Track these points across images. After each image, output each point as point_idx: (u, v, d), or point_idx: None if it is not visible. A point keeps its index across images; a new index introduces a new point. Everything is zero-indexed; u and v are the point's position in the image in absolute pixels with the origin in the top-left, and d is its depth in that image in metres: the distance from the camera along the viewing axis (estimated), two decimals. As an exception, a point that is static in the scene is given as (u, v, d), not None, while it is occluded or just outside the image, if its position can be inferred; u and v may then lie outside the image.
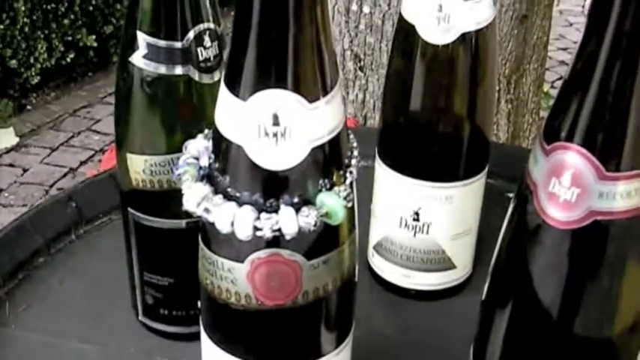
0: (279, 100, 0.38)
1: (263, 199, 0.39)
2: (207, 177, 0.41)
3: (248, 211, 0.39)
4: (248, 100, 0.38)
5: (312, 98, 0.39)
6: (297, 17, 0.37)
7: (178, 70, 0.54)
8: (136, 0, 0.53)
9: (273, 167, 0.39)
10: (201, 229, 0.43)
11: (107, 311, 0.66)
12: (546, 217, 0.40)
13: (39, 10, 2.57)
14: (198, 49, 0.54)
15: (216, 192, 0.40)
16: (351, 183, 0.41)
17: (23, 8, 2.49)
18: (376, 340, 0.62)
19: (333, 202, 0.40)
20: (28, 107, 2.71)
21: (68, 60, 2.76)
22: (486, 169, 0.65)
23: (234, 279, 0.41)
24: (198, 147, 0.42)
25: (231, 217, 0.39)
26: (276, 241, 0.40)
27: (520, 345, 0.44)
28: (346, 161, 0.42)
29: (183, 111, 0.56)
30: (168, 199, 0.56)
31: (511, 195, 0.44)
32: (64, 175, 2.34)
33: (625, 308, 0.42)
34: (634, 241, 0.40)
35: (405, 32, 0.61)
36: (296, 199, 0.40)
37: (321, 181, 0.40)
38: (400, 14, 0.61)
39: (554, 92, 0.42)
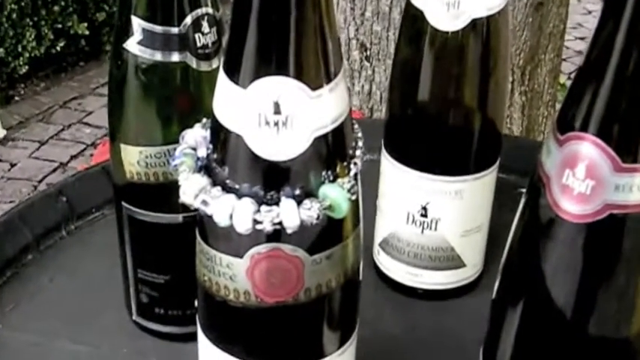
0: (280, 87, 0.38)
1: (263, 191, 0.40)
2: (205, 168, 0.42)
3: (248, 203, 0.39)
4: (248, 87, 0.39)
5: (314, 86, 0.39)
6: (299, 0, 0.38)
7: (175, 57, 0.54)
8: (131, -17, 0.53)
9: (274, 158, 0.39)
10: (199, 223, 0.43)
11: (99, 311, 0.66)
12: (559, 211, 0.40)
13: (27, -4, 2.58)
14: (196, 35, 0.54)
15: (214, 184, 0.41)
16: (356, 175, 0.42)
17: (11, -6, 2.50)
18: (382, 341, 0.63)
19: (336, 195, 0.40)
20: (16, 98, 2.72)
21: (58, 49, 2.76)
22: (498, 162, 0.65)
23: (233, 275, 0.42)
24: (196, 137, 0.43)
25: (230, 210, 0.39)
26: (277, 235, 0.40)
27: (532, 346, 0.44)
28: (350, 152, 0.42)
29: (180, 100, 0.56)
30: (164, 192, 0.56)
31: (523, 190, 0.45)
32: (54, 170, 2.35)
33: (642, 307, 0.42)
34: (651, 236, 0.40)
35: (413, 19, 0.61)
36: (298, 191, 0.40)
37: (324, 173, 0.40)
38: (408, 0, 0.61)
39: (571, 81, 0.42)
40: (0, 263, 0.69)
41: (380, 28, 1.36)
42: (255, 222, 0.39)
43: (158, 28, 0.53)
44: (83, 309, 0.66)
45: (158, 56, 0.54)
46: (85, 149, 2.45)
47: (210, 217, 0.40)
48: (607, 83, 0.38)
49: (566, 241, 0.41)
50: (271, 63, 0.39)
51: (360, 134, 0.43)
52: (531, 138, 1.47)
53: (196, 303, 0.46)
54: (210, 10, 0.54)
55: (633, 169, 0.38)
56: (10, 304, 0.67)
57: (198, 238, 0.44)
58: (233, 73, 0.40)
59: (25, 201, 0.75)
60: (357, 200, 0.43)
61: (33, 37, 2.64)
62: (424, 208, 0.63)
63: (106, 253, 0.66)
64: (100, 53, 2.93)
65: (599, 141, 0.38)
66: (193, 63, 0.54)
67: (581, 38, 3.03)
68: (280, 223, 0.39)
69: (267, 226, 0.39)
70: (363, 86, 1.42)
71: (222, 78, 0.40)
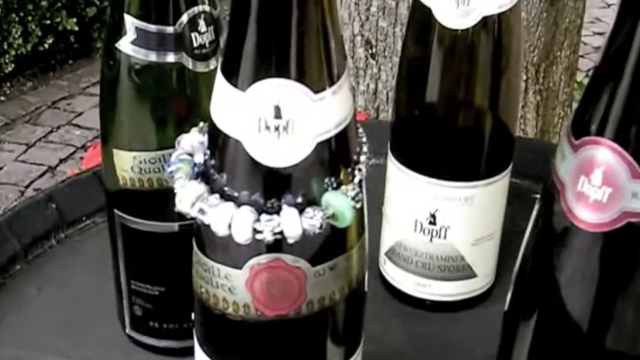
0: (281, 90, 0.39)
1: (263, 199, 0.40)
2: (202, 175, 0.42)
3: (247, 212, 0.40)
4: (247, 90, 0.39)
5: (317, 88, 0.39)
6: (300, -2, 0.38)
7: (170, 58, 0.54)
8: (123, -21, 0.54)
9: (274, 164, 0.40)
10: (196, 233, 0.44)
11: (91, 324, 0.66)
12: (575, 220, 0.40)
13: (13, -9, 2.59)
14: (193, 35, 0.54)
15: (212, 191, 0.41)
16: (360, 181, 0.42)
17: (-4, -12, 2.50)
18: (388, 356, 0.63)
19: (340, 203, 0.40)
20: (2, 98, 2.73)
21: (46, 46, 2.77)
22: (510, 167, 0.65)
23: (232, 287, 0.42)
24: (192, 142, 0.43)
25: (229, 219, 0.40)
26: (278, 245, 0.40)
27: (547, 360, 0.44)
28: (355, 158, 0.42)
29: (175, 102, 0.56)
30: (158, 200, 0.57)
31: (537, 196, 0.45)
32: (42, 175, 2.35)
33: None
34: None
35: (421, 16, 0.61)
36: (300, 199, 0.40)
37: (327, 180, 0.41)
38: (415, -4, 0.62)
39: (587, 82, 0.42)
40: (-14, 274, 0.69)
41: (386, 24, 1.36)
42: (255, 231, 0.39)
43: (152, 27, 0.54)
44: (73, 322, 0.66)
45: (152, 57, 0.54)
46: (74, 152, 2.45)
47: (208, 226, 0.40)
48: (625, 83, 0.38)
49: (582, 251, 0.41)
50: (272, 64, 0.39)
51: (364, 139, 0.43)
52: (546, 140, 1.47)
53: (193, 316, 0.47)
54: (207, 8, 0.55)
55: (652, 176, 0.38)
56: (-4, 317, 0.67)
57: (195, 248, 0.44)
58: (231, 75, 0.40)
59: (11, 208, 0.75)
60: (361, 208, 0.43)
61: (19, 33, 2.64)
62: (433, 216, 0.64)
63: (98, 263, 0.66)
64: (91, 51, 2.93)
65: (616, 146, 0.38)
66: (189, 64, 0.55)
67: (600, 33, 3.03)
68: (281, 233, 0.39)
69: (267, 236, 0.39)
70: (368, 85, 1.42)
71: (219, 80, 0.41)
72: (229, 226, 0.40)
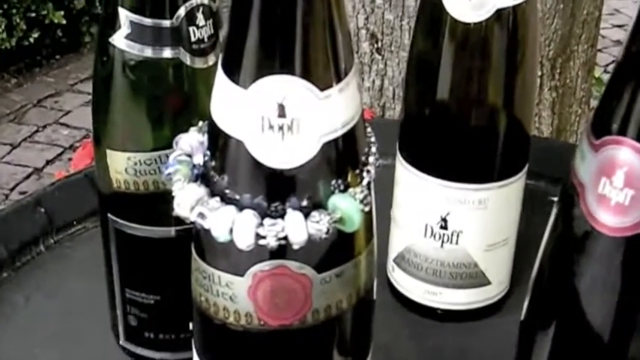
0: (285, 87, 0.39)
1: (267, 202, 0.40)
2: (202, 177, 0.42)
3: (249, 216, 0.40)
4: (250, 87, 0.39)
5: (323, 85, 0.39)
6: (306, -10, 0.38)
7: (167, 53, 0.54)
8: (117, -30, 0.54)
9: (278, 165, 0.40)
10: (195, 238, 0.44)
11: (82, 335, 0.66)
12: (595, 224, 0.40)
13: (-3, -18, 2.59)
14: (190, 29, 0.54)
15: (212, 194, 0.41)
16: (369, 184, 0.42)
17: (-22, -21, 2.51)
18: (397, 368, 0.63)
19: (347, 206, 0.40)
20: (-15, 96, 2.73)
21: (31, 40, 2.77)
22: (526, 168, 0.65)
23: (233, 295, 0.42)
24: (191, 142, 0.43)
25: (230, 224, 0.40)
26: (282, 251, 0.40)
27: (565, 373, 0.44)
28: (363, 159, 0.42)
29: (172, 100, 0.56)
30: (154, 203, 0.57)
31: (555, 199, 0.45)
32: (28, 177, 2.35)
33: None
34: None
35: (431, 8, 0.62)
36: (305, 203, 0.40)
37: (333, 182, 0.41)
38: (425, -13, 0.62)
39: (608, 78, 0.42)
40: (-29, 282, 0.70)
41: (392, 16, 1.37)
42: (258, 237, 0.39)
43: (148, 21, 0.54)
44: (64, 333, 0.67)
45: (148, 52, 0.54)
46: (62, 153, 2.46)
47: (208, 231, 0.40)
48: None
49: (603, 257, 0.41)
50: (275, 60, 0.39)
51: (373, 138, 0.43)
52: (562, 139, 1.48)
53: (191, 326, 0.47)
54: (205, 1, 0.55)
55: (677, 177, 0.39)
56: (-18, 328, 0.67)
57: (194, 254, 0.44)
58: (232, 72, 0.40)
59: (-2, 213, 0.76)
60: (370, 212, 0.43)
61: (3, 27, 2.65)
62: (444, 220, 0.64)
63: (90, 270, 0.66)
64: (79, 45, 2.94)
65: (639, 146, 0.39)
66: (187, 59, 0.55)
67: (619, 26, 3.03)
68: (285, 238, 0.39)
69: (271, 242, 0.39)
70: (373, 81, 1.42)
71: (220, 77, 0.41)
72: (230, 231, 0.40)
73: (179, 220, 0.41)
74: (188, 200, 0.41)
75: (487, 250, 0.65)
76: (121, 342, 0.64)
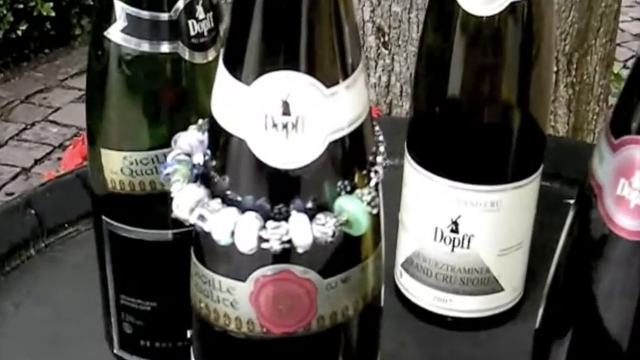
0: (290, 84, 0.39)
1: (270, 204, 0.40)
2: (202, 178, 0.42)
3: (252, 218, 0.40)
4: (252, 84, 0.39)
5: (329, 82, 0.40)
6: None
7: (165, 48, 0.55)
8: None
9: (282, 165, 0.40)
10: (194, 241, 0.44)
11: (75, 343, 0.66)
12: (614, 227, 0.40)
13: (-17, -28, 2.59)
14: (190, 22, 0.54)
15: (212, 196, 0.41)
16: (377, 185, 0.42)
17: (-37, -31, 2.51)
18: (405, 379, 0.63)
19: (354, 208, 0.40)
20: (-30, 92, 2.73)
21: (19, 33, 2.77)
22: (541, 169, 0.66)
23: (235, 301, 0.42)
24: (191, 141, 0.43)
25: (232, 226, 0.40)
26: (286, 255, 0.40)
27: (582, 384, 0.45)
28: (370, 159, 0.43)
29: (170, 97, 0.57)
30: (151, 205, 0.57)
31: (571, 201, 0.45)
32: (15, 177, 2.36)
33: None
34: None
35: (442, 1, 0.62)
36: (310, 205, 0.40)
37: (340, 183, 0.41)
38: (435, -21, 0.62)
39: (627, 73, 0.42)
40: (-42, 287, 0.70)
41: (400, 8, 1.37)
42: (261, 240, 0.40)
43: (145, 14, 0.54)
44: (55, 341, 0.67)
45: (145, 46, 0.54)
46: (51, 152, 2.46)
47: (208, 234, 0.40)
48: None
49: (622, 261, 0.41)
50: (279, 55, 0.39)
51: (381, 138, 0.44)
52: (579, 139, 1.48)
53: (189, 334, 0.47)
54: (205, -7, 0.55)
55: (699, 179, 0.39)
56: (-31, 335, 0.67)
57: (194, 258, 0.44)
58: (234, 67, 0.40)
59: (-15, 214, 0.76)
60: (378, 214, 0.43)
61: (-11, 19, 2.65)
62: (455, 223, 0.64)
63: (83, 275, 0.67)
64: (69, 38, 2.94)
65: (659, 145, 0.39)
66: (186, 54, 0.55)
67: (639, 19, 3.03)
68: (289, 242, 0.40)
69: (274, 245, 0.40)
70: (380, 77, 1.43)
71: (221, 72, 0.41)
72: (232, 234, 0.40)
73: (177, 223, 0.42)
74: (187, 202, 0.41)
75: (500, 255, 0.65)
76: (115, 351, 0.64)
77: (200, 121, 0.44)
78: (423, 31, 0.66)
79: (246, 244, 0.40)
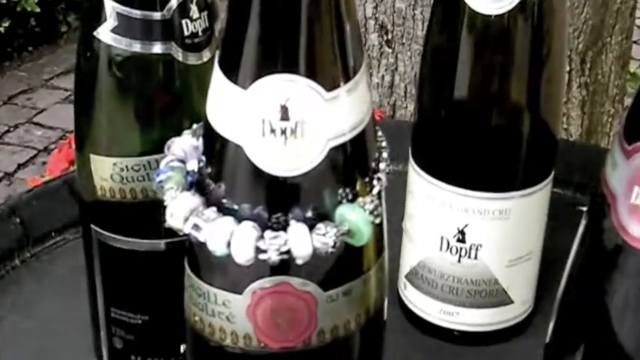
0: (288, 87, 0.39)
1: (268, 213, 0.41)
2: (197, 185, 0.42)
3: (249, 228, 0.40)
4: (249, 87, 0.40)
5: (330, 85, 0.40)
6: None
7: (157, 48, 0.55)
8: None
9: (280, 173, 0.40)
10: (189, 252, 0.44)
11: (62, 358, 0.67)
12: (627, 237, 0.40)
13: (-36, -35, 2.59)
14: (183, 22, 0.55)
15: (208, 204, 0.41)
16: (379, 193, 0.42)
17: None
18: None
19: (356, 217, 0.41)
20: (-50, 92, 2.73)
21: (2, 30, 2.77)
22: (552, 175, 0.66)
23: (231, 315, 0.43)
24: (185, 147, 0.44)
25: (228, 236, 0.40)
26: (285, 266, 0.41)
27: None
28: (373, 165, 0.43)
29: (163, 100, 0.57)
30: (143, 213, 0.57)
31: (584, 209, 0.45)
32: (-3, 182, 2.35)
33: None
34: None
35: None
36: (309, 214, 0.41)
37: (341, 191, 0.41)
38: (441, -25, 0.63)
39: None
40: (-61, 299, 0.70)
41: (404, 5, 1.37)
42: (258, 251, 0.40)
43: (136, 13, 0.54)
44: (41, 356, 0.67)
45: (137, 47, 0.55)
46: (35, 156, 2.45)
47: (203, 244, 0.41)
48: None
49: (636, 273, 0.41)
50: (278, 58, 0.39)
51: (384, 143, 0.44)
52: (593, 142, 1.48)
53: (183, 349, 0.47)
54: (200, -9, 0.55)
55: None
56: (-49, 350, 0.67)
57: (188, 270, 0.44)
58: (230, 70, 0.40)
59: (-33, 222, 0.76)
60: (380, 224, 0.43)
61: (-30, 15, 2.65)
62: (461, 232, 0.64)
63: (70, 286, 0.67)
64: (55, 36, 2.93)
65: (675, 152, 0.39)
66: (179, 55, 0.55)
67: (656, 15, 3.02)
68: (288, 252, 0.40)
69: (272, 256, 0.40)
70: (383, 77, 1.43)
71: (217, 75, 0.41)
72: (228, 244, 0.40)
73: (170, 232, 0.42)
74: (181, 210, 0.41)
75: (509, 266, 0.66)
76: (104, 366, 0.65)
77: (194, 126, 0.44)
78: (428, 30, 0.66)
79: (243, 255, 0.40)
